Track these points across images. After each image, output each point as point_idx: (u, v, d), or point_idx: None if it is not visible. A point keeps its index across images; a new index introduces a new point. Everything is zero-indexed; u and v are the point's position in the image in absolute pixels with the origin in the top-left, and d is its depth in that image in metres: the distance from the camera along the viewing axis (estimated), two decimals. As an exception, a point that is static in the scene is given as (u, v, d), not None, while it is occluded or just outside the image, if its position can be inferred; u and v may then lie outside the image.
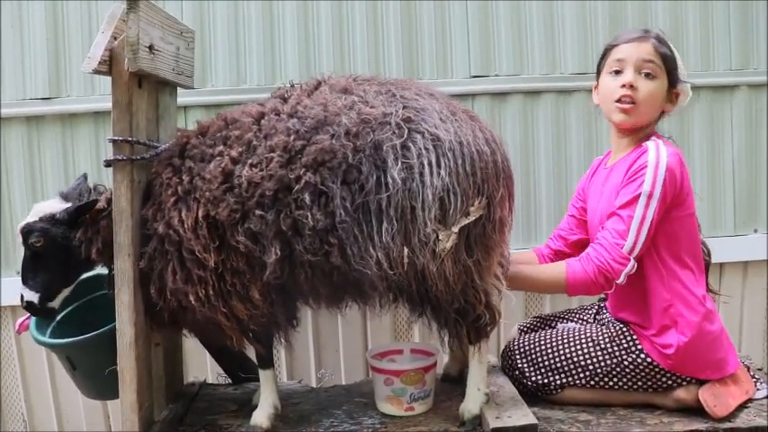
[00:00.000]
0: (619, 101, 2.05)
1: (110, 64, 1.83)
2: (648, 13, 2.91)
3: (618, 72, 2.07)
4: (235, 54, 2.79)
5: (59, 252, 2.03)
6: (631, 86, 2.03)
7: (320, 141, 1.78)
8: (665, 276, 2.00)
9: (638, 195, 1.94)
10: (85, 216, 2.00)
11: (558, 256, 2.29)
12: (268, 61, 2.80)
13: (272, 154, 1.80)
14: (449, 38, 2.85)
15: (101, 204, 1.99)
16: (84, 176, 2.19)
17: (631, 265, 1.95)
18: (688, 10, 2.93)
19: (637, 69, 2.04)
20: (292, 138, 1.81)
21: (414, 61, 2.85)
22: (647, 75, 2.03)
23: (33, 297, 2.05)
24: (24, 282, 2.05)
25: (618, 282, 1.96)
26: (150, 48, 1.85)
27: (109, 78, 1.87)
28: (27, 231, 2.02)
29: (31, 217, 2.04)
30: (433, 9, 2.84)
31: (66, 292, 2.12)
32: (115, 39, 1.83)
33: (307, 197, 1.76)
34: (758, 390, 2.12)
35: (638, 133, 2.09)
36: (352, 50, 2.82)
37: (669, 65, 2.04)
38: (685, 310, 1.99)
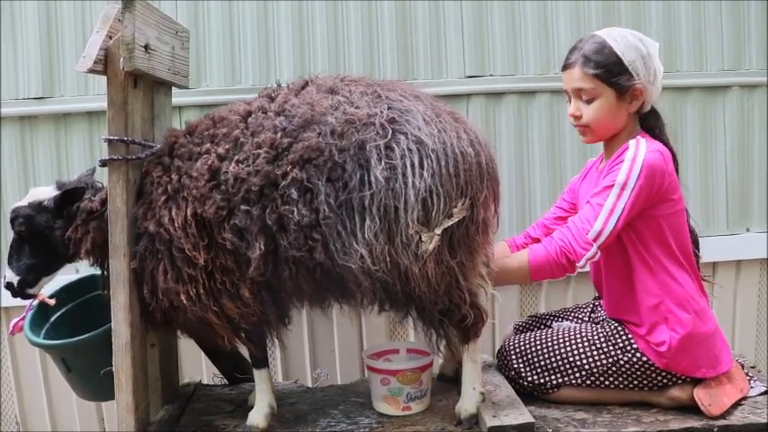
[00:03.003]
0: (575, 127, 2.12)
1: (105, 63, 1.82)
2: (641, 14, 2.93)
3: (568, 100, 2.12)
4: (229, 54, 2.79)
5: (42, 240, 2.04)
6: (574, 116, 2.08)
7: (307, 139, 1.79)
8: (656, 273, 2.01)
9: (612, 185, 1.96)
10: (71, 206, 1.99)
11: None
12: (263, 61, 2.79)
13: (258, 150, 1.81)
14: (443, 38, 2.86)
15: (95, 206, 1.98)
16: (93, 170, 2.18)
17: (593, 252, 1.96)
18: (681, 10, 2.95)
19: (576, 97, 2.07)
20: (279, 135, 1.82)
21: (408, 61, 2.85)
22: (586, 100, 2.05)
23: (14, 279, 2.06)
24: (9, 262, 2.06)
25: (579, 265, 1.97)
26: (146, 47, 1.85)
27: (103, 78, 1.87)
28: (14, 216, 2.04)
29: (24, 200, 2.06)
30: (427, 9, 2.84)
31: (46, 280, 2.12)
32: (110, 38, 1.82)
33: (293, 192, 1.77)
34: (752, 387, 2.13)
35: (618, 138, 2.09)
36: (347, 51, 2.82)
37: (606, 77, 2.01)
38: (676, 308, 2.00)
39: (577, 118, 2.07)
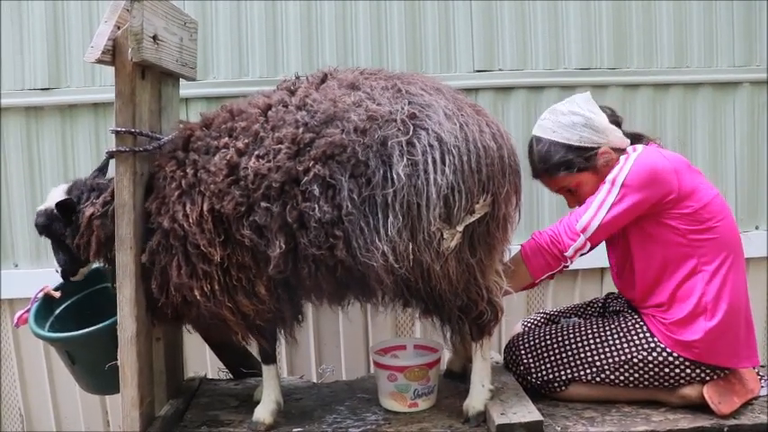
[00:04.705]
0: None
1: (113, 54, 1.80)
2: (652, 8, 2.90)
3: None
4: (237, 46, 2.77)
5: (61, 242, 2.06)
6: (574, 205, 2.15)
7: (331, 135, 1.76)
8: (700, 266, 1.98)
9: (604, 182, 1.98)
10: (75, 214, 1.99)
11: None
12: (270, 54, 2.77)
13: (279, 146, 1.79)
14: (452, 32, 2.83)
15: (96, 208, 1.96)
16: (100, 169, 2.14)
17: (580, 242, 1.97)
18: (692, 6, 2.92)
19: (565, 193, 2.14)
20: (301, 130, 1.79)
21: (417, 55, 2.82)
22: (570, 191, 2.11)
23: (58, 269, 2.14)
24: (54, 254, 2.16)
25: (567, 255, 1.98)
26: (154, 38, 1.83)
27: (109, 69, 1.85)
28: (35, 222, 2.09)
29: (42, 205, 2.08)
30: (436, 3, 2.81)
31: (86, 270, 2.15)
32: (119, 28, 1.80)
33: (315, 189, 1.74)
34: (762, 387, 2.12)
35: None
36: (355, 43, 2.80)
37: (571, 169, 2.05)
38: (718, 298, 1.97)
39: (577, 203, 2.12)
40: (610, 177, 1.97)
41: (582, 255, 2.01)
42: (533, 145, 2.13)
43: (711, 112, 2.96)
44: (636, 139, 2.13)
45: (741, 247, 2.09)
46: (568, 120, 2.05)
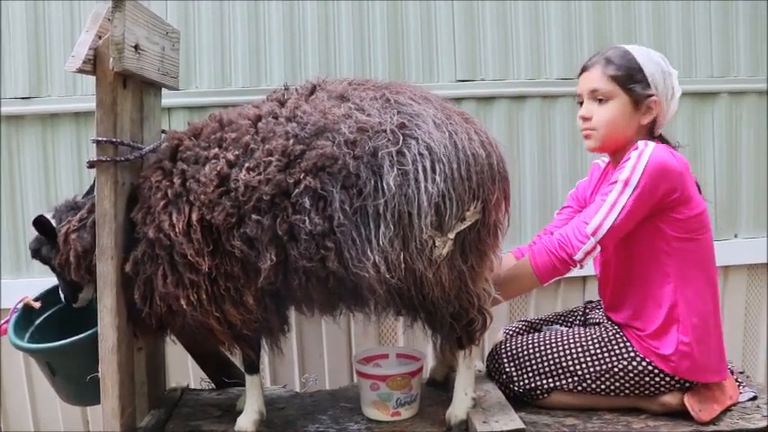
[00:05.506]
0: (583, 130, 2.10)
1: (94, 63, 1.79)
2: (632, 20, 2.94)
3: (580, 104, 2.11)
4: (219, 55, 2.76)
5: (53, 267, 2.04)
6: (584, 118, 2.07)
7: (322, 147, 1.76)
8: (674, 275, 1.98)
9: (615, 182, 1.94)
10: (53, 234, 1.98)
11: None
12: (253, 63, 2.77)
13: (270, 158, 1.78)
14: (435, 42, 2.85)
15: (71, 225, 1.95)
16: (87, 191, 2.11)
17: (590, 245, 1.93)
18: (671, 17, 2.96)
19: (591, 98, 2.07)
20: (291, 142, 1.79)
21: (400, 65, 2.84)
22: (600, 100, 2.05)
23: (62, 295, 2.14)
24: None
25: (576, 258, 1.95)
26: (136, 47, 1.82)
27: (91, 78, 1.84)
28: (29, 247, 2.09)
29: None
30: (419, 12, 2.83)
31: (83, 296, 2.11)
32: (100, 38, 1.79)
33: (306, 201, 1.74)
34: (741, 393, 2.14)
35: (624, 152, 2.02)
36: (338, 53, 2.81)
37: (625, 81, 2.01)
38: (689, 311, 1.98)
39: (587, 119, 2.06)
40: (622, 177, 1.92)
41: (592, 257, 1.99)
42: (608, 47, 2.11)
43: (690, 122, 3.00)
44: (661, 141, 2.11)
45: (715, 263, 2.09)
46: (657, 58, 2.05)
